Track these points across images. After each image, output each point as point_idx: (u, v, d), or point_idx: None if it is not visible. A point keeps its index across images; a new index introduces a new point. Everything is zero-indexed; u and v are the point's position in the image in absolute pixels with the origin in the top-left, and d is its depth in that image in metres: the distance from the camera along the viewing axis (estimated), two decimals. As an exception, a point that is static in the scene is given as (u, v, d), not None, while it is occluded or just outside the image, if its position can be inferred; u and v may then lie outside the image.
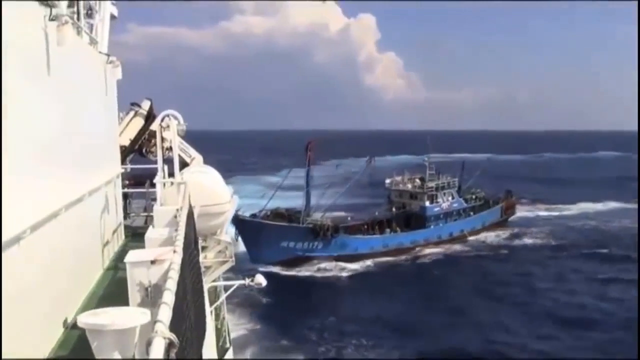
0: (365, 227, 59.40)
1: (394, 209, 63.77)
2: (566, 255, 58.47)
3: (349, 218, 60.89)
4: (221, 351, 17.27)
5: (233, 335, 20.28)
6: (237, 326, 34.62)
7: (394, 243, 58.43)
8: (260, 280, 15.57)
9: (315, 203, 57.62)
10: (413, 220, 61.99)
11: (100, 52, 13.32)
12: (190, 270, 5.93)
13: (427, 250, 60.18)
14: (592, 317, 40.63)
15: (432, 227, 62.73)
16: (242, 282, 15.62)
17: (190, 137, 16.39)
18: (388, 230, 59.56)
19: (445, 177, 66.79)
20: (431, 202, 63.06)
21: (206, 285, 12.37)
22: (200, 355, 5.60)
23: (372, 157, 64.39)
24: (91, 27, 14.06)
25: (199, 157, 18.30)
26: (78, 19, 11.70)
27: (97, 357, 4.11)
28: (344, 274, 52.40)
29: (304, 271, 52.20)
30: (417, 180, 65.19)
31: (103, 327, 4.03)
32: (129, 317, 4.16)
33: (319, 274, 52.19)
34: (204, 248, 12.54)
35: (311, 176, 57.04)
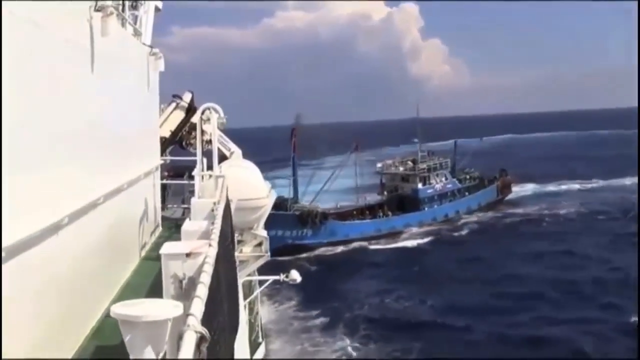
0: (355, 212, 58.74)
1: (385, 193, 63.07)
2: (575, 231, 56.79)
3: (338, 205, 60.08)
4: (253, 345, 17.36)
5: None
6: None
7: (386, 227, 57.37)
8: (295, 276, 15.62)
9: (305, 190, 57.39)
10: (407, 203, 61.04)
11: (143, 44, 13.43)
12: (225, 264, 5.89)
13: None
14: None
15: (426, 209, 61.74)
16: (276, 277, 15.66)
17: (232, 134, 16.39)
18: (381, 214, 58.73)
19: (437, 158, 66.09)
20: (424, 184, 62.31)
21: (241, 280, 12.41)
22: (232, 349, 5.55)
23: (357, 146, 63.68)
24: (135, 18, 14.21)
25: (238, 151, 18.34)
26: (123, 10, 11.82)
27: (128, 348, 4.10)
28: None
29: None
30: (409, 162, 64.51)
31: (136, 318, 4.01)
32: (162, 309, 4.13)
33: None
34: (240, 242, 12.56)
35: (297, 163, 56.75)
